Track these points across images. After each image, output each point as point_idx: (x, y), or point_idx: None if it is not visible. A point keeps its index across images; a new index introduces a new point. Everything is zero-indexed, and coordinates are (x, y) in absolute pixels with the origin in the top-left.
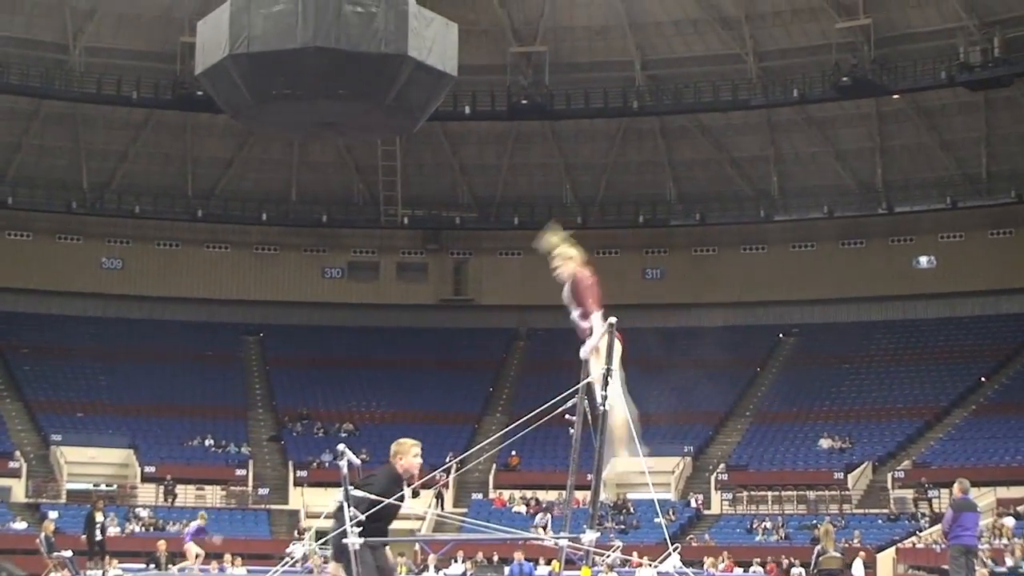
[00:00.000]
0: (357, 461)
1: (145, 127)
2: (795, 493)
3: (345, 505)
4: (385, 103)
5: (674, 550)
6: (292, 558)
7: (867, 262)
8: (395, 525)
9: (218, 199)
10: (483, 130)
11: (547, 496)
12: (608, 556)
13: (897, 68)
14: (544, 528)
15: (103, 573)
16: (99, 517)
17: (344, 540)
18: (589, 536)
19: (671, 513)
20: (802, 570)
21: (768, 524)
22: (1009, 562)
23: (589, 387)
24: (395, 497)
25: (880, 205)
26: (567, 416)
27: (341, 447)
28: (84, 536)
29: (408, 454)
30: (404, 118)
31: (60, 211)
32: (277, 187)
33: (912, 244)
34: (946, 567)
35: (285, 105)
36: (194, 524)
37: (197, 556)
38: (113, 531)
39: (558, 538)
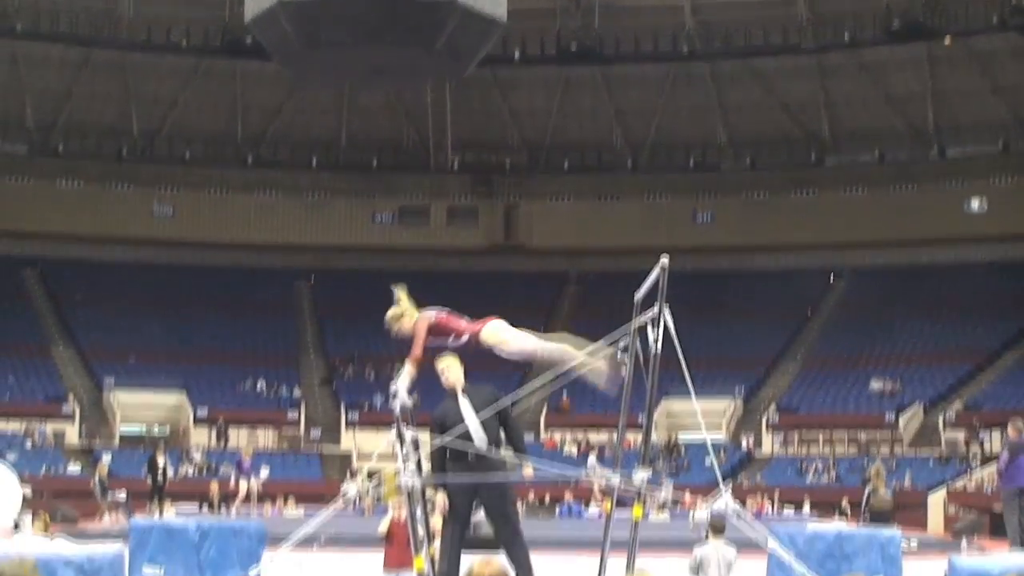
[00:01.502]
0: (410, 402)
1: (195, 74)
2: (846, 435)
3: (398, 445)
4: (434, 49)
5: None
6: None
7: (918, 206)
8: None
9: (268, 145)
10: (533, 75)
11: (598, 437)
12: (659, 496)
13: (949, 12)
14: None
15: (160, 514)
16: (161, 460)
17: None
18: (640, 475)
19: (722, 454)
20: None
21: (819, 465)
22: None
23: (641, 328)
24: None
25: (931, 149)
26: (619, 357)
27: (394, 387)
28: (147, 478)
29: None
30: (453, 64)
31: (111, 159)
32: (327, 132)
33: (963, 188)
34: (998, 509)
35: (334, 51)
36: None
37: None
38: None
39: (609, 477)
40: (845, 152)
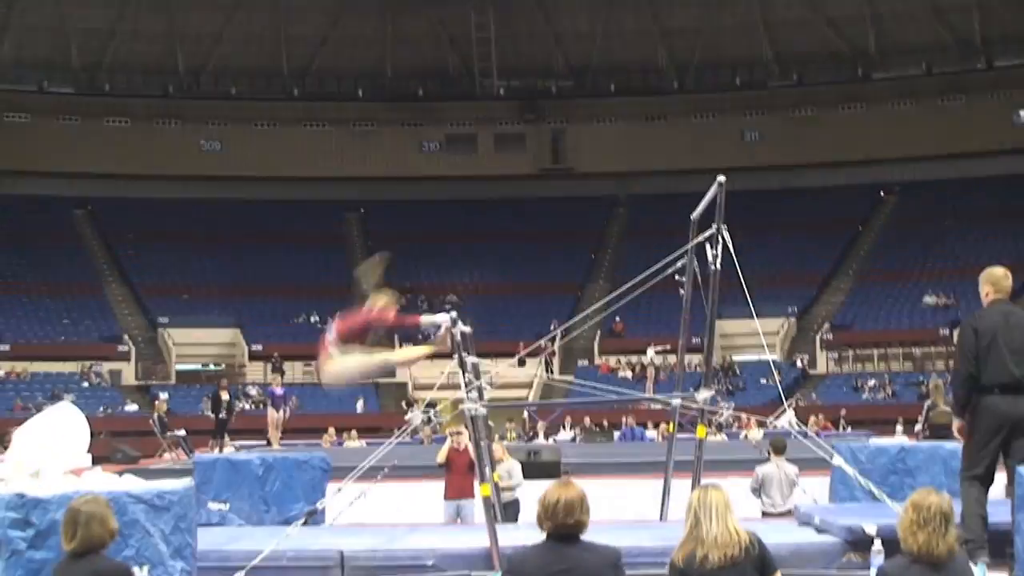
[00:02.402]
0: (468, 329)
1: (239, 8)
2: (900, 351)
3: (461, 372)
4: None
5: (789, 406)
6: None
7: (968, 117)
8: (503, 393)
9: (313, 77)
10: None
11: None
12: (720, 416)
13: None
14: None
15: (220, 450)
16: (224, 396)
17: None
18: (703, 394)
19: (778, 374)
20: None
21: (874, 382)
22: None
23: (699, 247)
24: None
25: (979, 60)
26: (676, 278)
27: (453, 314)
28: (212, 415)
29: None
30: None
31: (157, 96)
32: (371, 63)
33: (1013, 98)
34: None
35: None
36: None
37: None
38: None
39: (671, 398)
40: (892, 66)
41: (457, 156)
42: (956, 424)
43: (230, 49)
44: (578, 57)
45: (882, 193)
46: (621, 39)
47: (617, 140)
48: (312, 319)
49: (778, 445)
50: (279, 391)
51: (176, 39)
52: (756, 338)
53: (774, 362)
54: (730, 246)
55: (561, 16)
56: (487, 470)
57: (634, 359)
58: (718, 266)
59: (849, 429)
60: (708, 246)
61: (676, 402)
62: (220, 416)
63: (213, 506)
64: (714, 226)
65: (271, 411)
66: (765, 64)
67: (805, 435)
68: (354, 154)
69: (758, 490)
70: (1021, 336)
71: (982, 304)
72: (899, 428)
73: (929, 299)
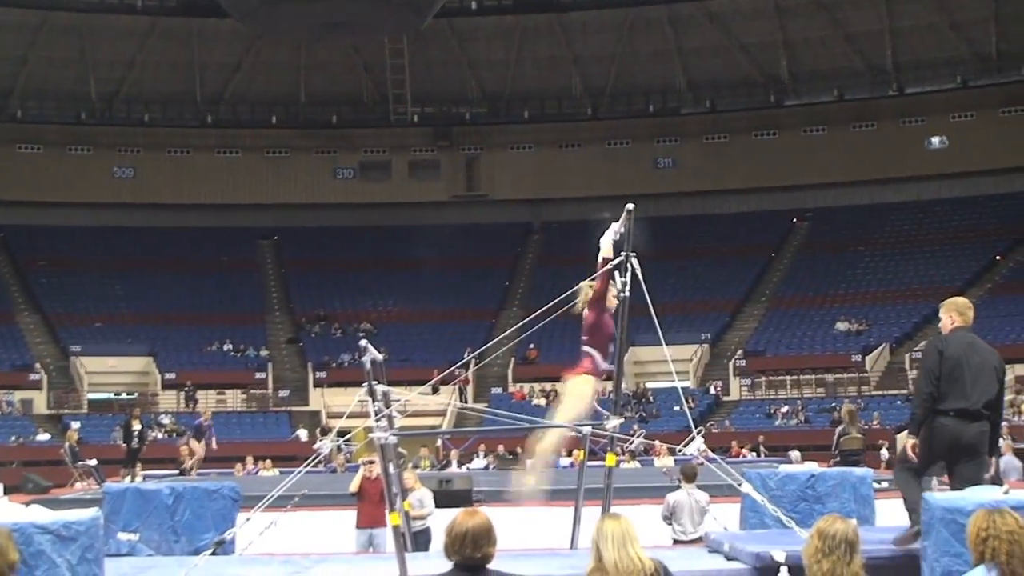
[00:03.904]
0: (380, 357)
1: (151, 35)
2: (813, 377)
3: (370, 401)
4: (392, 1)
5: (698, 433)
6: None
7: (879, 144)
8: (417, 421)
9: (227, 104)
10: (490, 25)
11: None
12: (630, 443)
13: None
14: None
15: (131, 479)
16: (136, 425)
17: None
18: (612, 422)
19: (691, 401)
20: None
21: (787, 409)
22: None
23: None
24: None
25: (890, 86)
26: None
27: (364, 343)
28: (123, 444)
29: None
30: (411, 15)
31: (70, 122)
32: (286, 89)
33: (923, 125)
34: None
35: (293, 7)
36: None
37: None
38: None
39: (581, 426)
40: (804, 93)
41: (371, 183)
42: (910, 442)
43: (143, 75)
44: (492, 84)
45: (795, 219)
46: (535, 66)
47: (531, 167)
48: (225, 347)
49: (689, 472)
50: (206, 422)
51: (89, 65)
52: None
53: (687, 389)
54: (639, 274)
55: (475, 44)
56: (397, 499)
57: (548, 386)
58: (627, 293)
59: (763, 455)
60: (617, 274)
61: (586, 430)
62: (132, 445)
63: (123, 536)
64: (623, 254)
65: (193, 442)
66: (678, 91)
67: (713, 462)
68: (268, 181)
69: (669, 517)
70: (980, 365)
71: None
72: (795, 454)
73: (841, 325)
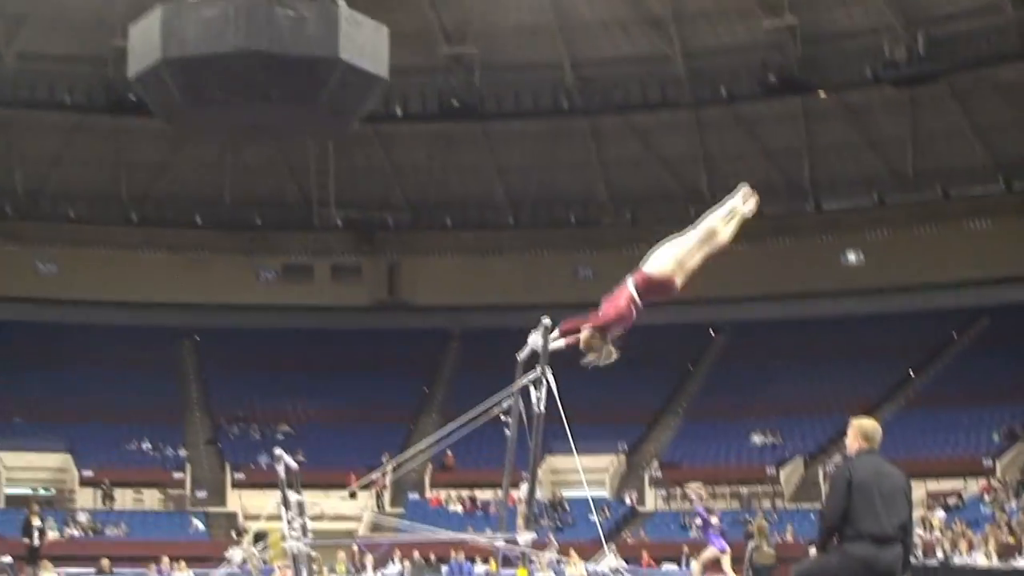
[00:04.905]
0: (294, 464)
1: (78, 131)
2: (728, 489)
3: (283, 509)
4: (317, 106)
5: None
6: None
7: (796, 259)
8: (333, 525)
9: (152, 203)
10: (415, 132)
11: (483, 495)
12: (545, 555)
13: (823, 67)
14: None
15: None
16: (35, 521)
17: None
18: (525, 537)
19: (606, 511)
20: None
21: (700, 521)
22: (939, 554)
23: (524, 388)
24: None
25: (808, 202)
26: (502, 417)
27: (278, 451)
28: (25, 540)
29: None
30: (336, 120)
31: None
32: (210, 190)
33: (840, 240)
34: None
35: (218, 108)
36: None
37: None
38: (52, 535)
39: (494, 539)
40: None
41: (294, 285)
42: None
43: (69, 172)
44: (415, 190)
45: (712, 332)
46: (458, 173)
47: (452, 273)
48: (144, 445)
49: None
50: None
51: (15, 159)
52: (586, 474)
53: (601, 499)
54: (554, 389)
55: (399, 149)
56: None
57: (465, 493)
58: (542, 409)
59: (676, 567)
60: (533, 388)
61: (499, 543)
62: (32, 543)
63: None
64: (538, 368)
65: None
66: (599, 202)
67: (624, 573)
68: (190, 281)
69: None
70: (891, 490)
71: (848, 450)
72: (694, 565)
73: (756, 438)
